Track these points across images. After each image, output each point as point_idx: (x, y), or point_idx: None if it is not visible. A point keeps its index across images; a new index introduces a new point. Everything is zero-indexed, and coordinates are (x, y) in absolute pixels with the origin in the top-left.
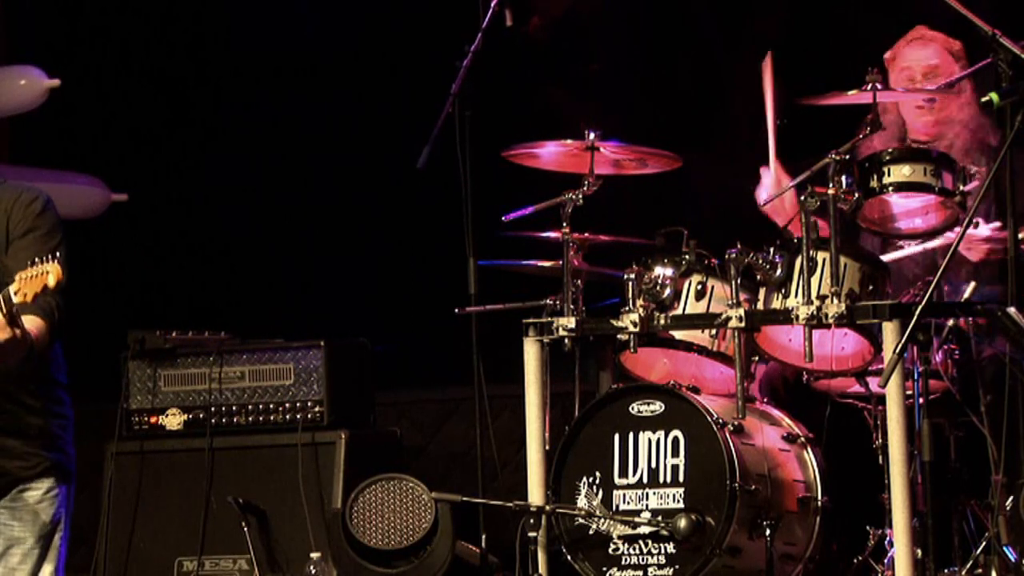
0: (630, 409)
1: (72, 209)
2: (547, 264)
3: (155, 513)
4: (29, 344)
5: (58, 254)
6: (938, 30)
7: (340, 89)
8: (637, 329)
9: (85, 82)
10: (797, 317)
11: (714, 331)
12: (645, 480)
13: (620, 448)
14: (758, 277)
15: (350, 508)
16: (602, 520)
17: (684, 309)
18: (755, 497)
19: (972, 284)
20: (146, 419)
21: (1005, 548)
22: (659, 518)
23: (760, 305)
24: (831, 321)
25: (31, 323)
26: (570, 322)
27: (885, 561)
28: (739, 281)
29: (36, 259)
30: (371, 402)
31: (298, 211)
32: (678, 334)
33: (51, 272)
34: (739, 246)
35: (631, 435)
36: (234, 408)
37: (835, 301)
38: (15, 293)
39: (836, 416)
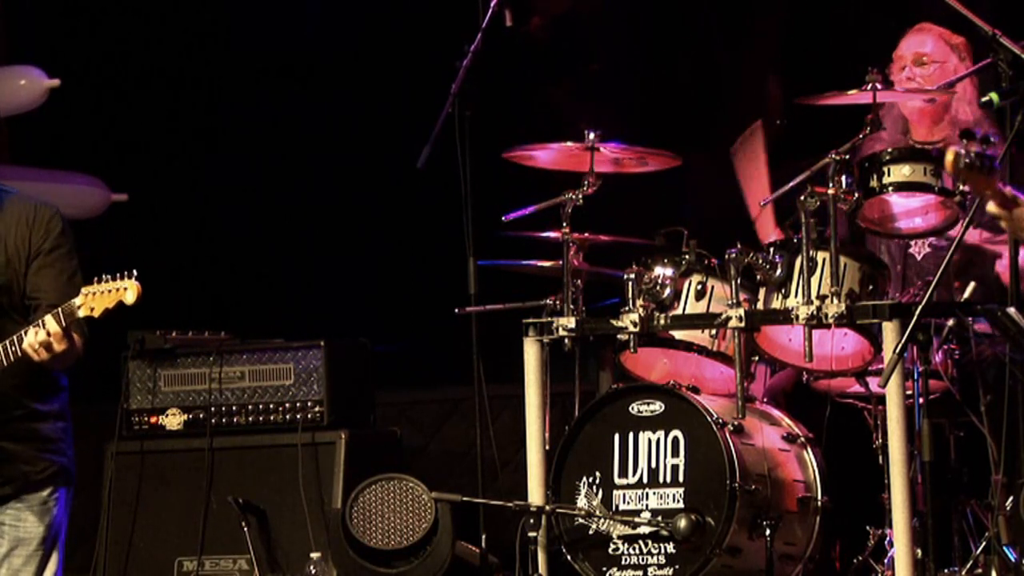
0: (630, 409)
1: (72, 209)
2: (547, 264)
3: (155, 513)
4: (78, 355)
5: (78, 274)
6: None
7: (340, 89)
8: (637, 329)
9: (85, 82)
10: (797, 317)
11: (714, 331)
12: (645, 480)
13: (620, 448)
14: (758, 277)
15: (350, 508)
16: (602, 520)
17: (684, 309)
18: (755, 497)
19: (972, 284)
20: (146, 419)
21: (1005, 548)
22: (659, 518)
23: (760, 305)
24: (831, 321)
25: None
26: (570, 322)
27: (885, 561)
28: (739, 281)
29: (99, 278)
30: (371, 402)
31: (298, 211)
32: (678, 334)
33: (130, 289)
34: (739, 246)
35: (631, 435)
36: (234, 408)
37: (835, 301)
38: (79, 307)
39: (836, 416)
